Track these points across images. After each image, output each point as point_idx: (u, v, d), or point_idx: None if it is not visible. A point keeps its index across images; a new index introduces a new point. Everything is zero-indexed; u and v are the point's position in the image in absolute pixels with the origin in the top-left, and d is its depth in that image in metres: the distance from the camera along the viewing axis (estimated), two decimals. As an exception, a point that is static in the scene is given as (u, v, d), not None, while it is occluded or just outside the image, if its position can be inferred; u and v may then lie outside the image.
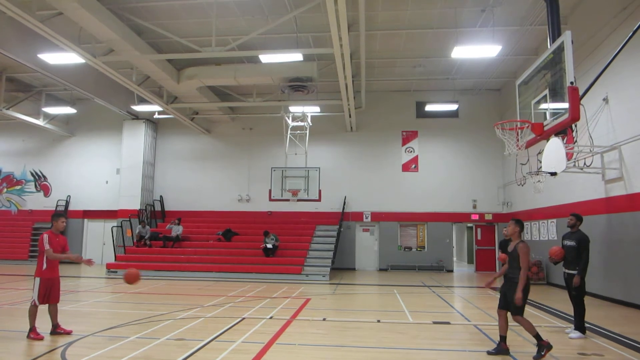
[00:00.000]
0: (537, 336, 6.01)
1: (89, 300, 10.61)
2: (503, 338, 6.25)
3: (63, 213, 7.80)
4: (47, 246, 6.85)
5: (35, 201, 22.62)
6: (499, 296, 11.68)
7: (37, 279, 6.86)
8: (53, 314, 7.02)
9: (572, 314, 7.49)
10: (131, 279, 7.28)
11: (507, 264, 6.39)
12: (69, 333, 6.95)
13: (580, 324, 7.28)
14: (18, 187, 22.92)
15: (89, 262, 7.36)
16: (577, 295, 7.27)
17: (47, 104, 20.41)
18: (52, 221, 7.17)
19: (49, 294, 6.92)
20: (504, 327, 6.29)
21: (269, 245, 17.06)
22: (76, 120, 22.59)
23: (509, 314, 6.21)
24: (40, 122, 20.50)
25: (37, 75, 18.41)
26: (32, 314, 6.78)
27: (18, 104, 19.26)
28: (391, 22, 14.25)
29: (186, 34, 14.45)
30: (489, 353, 6.20)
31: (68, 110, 20.58)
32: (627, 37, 9.00)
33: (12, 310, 9.18)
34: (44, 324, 6.95)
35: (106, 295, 11.85)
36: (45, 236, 6.91)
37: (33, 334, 6.69)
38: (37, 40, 13.11)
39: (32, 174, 22.85)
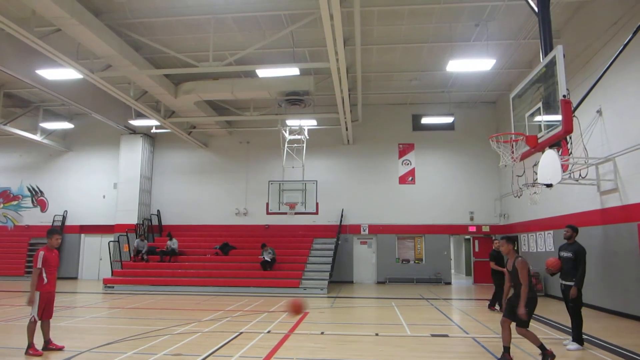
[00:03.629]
0: (542, 346, 6.05)
1: (85, 316, 10.54)
2: (506, 349, 6.25)
3: (58, 230, 7.80)
4: (38, 264, 6.86)
5: (32, 216, 22.54)
6: (498, 309, 11.72)
7: (37, 294, 6.84)
8: (46, 330, 6.99)
9: (570, 325, 7.50)
10: (295, 309, 6.59)
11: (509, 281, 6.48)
12: (61, 349, 6.91)
13: (578, 336, 7.29)
14: (15, 203, 22.85)
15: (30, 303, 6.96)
16: (574, 306, 7.28)
17: (44, 119, 20.46)
18: (48, 237, 7.20)
19: (46, 309, 6.90)
20: (507, 338, 6.31)
21: (267, 258, 17.03)
22: (73, 135, 22.63)
23: (513, 325, 6.21)
24: (37, 137, 20.53)
25: (34, 91, 18.49)
26: (31, 330, 6.75)
27: (15, 120, 19.30)
28: (386, 37, 14.42)
29: (184, 49, 14.59)
30: None
31: (65, 125, 20.63)
32: (619, 50, 9.16)
33: (9, 326, 9.11)
34: (36, 340, 6.91)
35: (103, 311, 11.77)
36: (41, 253, 6.93)
37: (32, 350, 6.65)
38: (35, 56, 13.20)
39: (29, 189, 22.81)
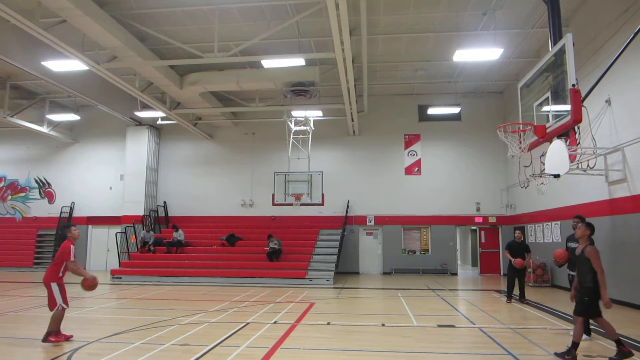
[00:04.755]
0: (619, 341, 5.97)
1: (93, 307, 10.63)
2: (575, 345, 6.07)
3: (73, 224, 7.89)
4: (72, 257, 7.00)
5: (39, 208, 22.71)
6: (505, 299, 11.74)
7: (55, 284, 6.92)
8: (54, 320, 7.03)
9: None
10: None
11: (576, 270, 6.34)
12: (68, 338, 6.94)
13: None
14: (22, 194, 23.02)
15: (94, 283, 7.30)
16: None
17: (51, 111, 20.54)
18: (66, 232, 7.29)
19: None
20: (578, 334, 6.11)
21: (276, 247, 17.09)
22: (80, 127, 22.71)
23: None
24: (44, 129, 20.61)
25: (40, 83, 18.53)
26: (60, 317, 6.87)
27: (22, 112, 19.36)
28: (393, 26, 14.28)
29: (189, 40, 14.53)
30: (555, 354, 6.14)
31: (72, 117, 20.69)
32: (629, 39, 9.01)
33: (18, 317, 9.20)
34: (35, 331, 6.97)
35: (111, 302, 11.87)
36: (72, 247, 7.08)
37: (57, 336, 6.79)
38: (41, 47, 13.20)
39: (36, 181, 22.96)
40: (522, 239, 12.05)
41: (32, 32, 11.35)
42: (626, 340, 7.04)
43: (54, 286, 6.92)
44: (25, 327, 8.21)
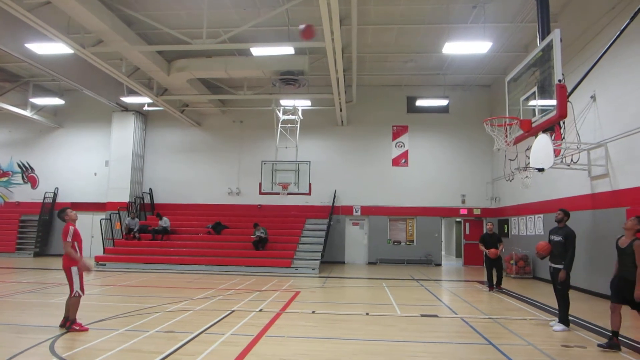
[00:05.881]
0: (615, 333, 6.15)
1: (77, 293, 10.54)
2: (615, 333, 6.23)
3: (68, 206, 7.66)
4: (68, 238, 6.79)
5: (22, 193, 22.36)
6: (487, 289, 11.96)
7: (75, 268, 6.80)
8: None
9: (557, 307, 7.63)
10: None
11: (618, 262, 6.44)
12: (85, 330, 6.76)
13: (564, 317, 7.42)
14: (5, 179, 22.62)
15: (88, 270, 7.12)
16: (562, 289, 7.40)
17: (34, 94, 20.15)
18: (64, 216, 7.07)
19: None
20: (616, 322, 6.25)
21: (262, 235, 17.09)
22: (64, 112, 22.33)
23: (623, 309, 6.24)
24: (27, 113, 20.24)
25: (24, 65, 18.15)
26: (76, 305, 6.76)
27: (4, 94, 18.97)
28: (383, 17, 14.25)
29: (177, 25, 14.33)
30: (599, 346, 6.27)
31: (56, 101, 20.34)
32: (615, 36, 9.13)
33: (0, 303, 9.10)
34: (57, 316, 6.93)
35: (95, 288, 11.78)
36: (71, 228, 6.86)
37: (78, 325, 6.70)
38: (25, 29, 12.92)
39: (19, 165, 22.57)
40: (494, 230, 12.61)
41: (15, 13, 11.10)
42: (604, 331, 7.23)
43: (74, 270, 6.79)
44: (7, 313, 8.12)
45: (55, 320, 7.08)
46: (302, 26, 6.65)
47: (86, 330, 6.67)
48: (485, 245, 12.07)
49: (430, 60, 17.77)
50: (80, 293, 6.83)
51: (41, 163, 22.41)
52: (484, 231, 12.53)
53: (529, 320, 8.17)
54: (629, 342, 6.70)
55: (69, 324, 6.69)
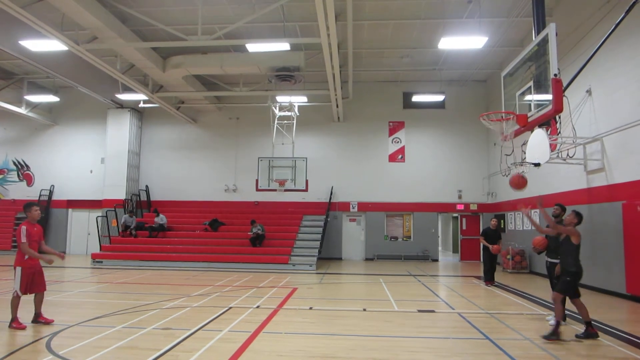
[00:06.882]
0: (589, 323, 6.37)
1: (74, 291, 10.53)
2: (588, 323, 6.46)
3: (35, 202, 7.66)
4: (23, 239, 6.76)
5: (18, 190, 22.26)
6: (484, 285, 11.99)
7: (19, 269, 6.79)
8: (38, 302, 6.98)
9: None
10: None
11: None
12: (49, 322, 6.90)
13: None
14: (0, 177, 22.52)
15: (61, 256, 7.34)
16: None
17: (29, 91, 20.03)
18: (26, 212, 7.07)
19: (32, 282, 6.87)
20: (560, 313, 6.55)
21: (259, 232, 17.08)
22: (59, 109, 22.22)
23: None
24: (22, 110, 20.12)
25: (18, 63, 18.03)
26: (15, 304, 6.74)
27: (-1, 92, 18.88)
28: (379, 12, 14.21)
29: (172, 21, 14.25)
30: (577, 336, 6.44)
31: (51, 98, 20.24)
32: (610, 30, 9.13)
33: (-4, 300, 9.07)
34: (27, 313, 6.91)
35: (91, 286, 11.78)
36: (23, 228, 6.81)
37: (15, 323, 6.65)
38: (18, 26, 12.80)
39: (14, 163, 22.46)
40: (497, 227, 12.73)
41: (8, 10, 11.00)
42: (597, 324, 7.26)
43: (18, 271, 6.78)
44: (3, 310, 8.08)
45: (50, 317, 7.05)
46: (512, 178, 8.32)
47: (24, 328, 6.61)
48: (488, 241, 12.23)
49: (426, 56, 17.75)
50: (19, 293, 6.75)
51: (37, 160, 22.32)
52: (488, 226, 12.73)
53: (525, 315, 8.20)
54: (622, 334, 6.73)
55: (15, 322, 6.68)
